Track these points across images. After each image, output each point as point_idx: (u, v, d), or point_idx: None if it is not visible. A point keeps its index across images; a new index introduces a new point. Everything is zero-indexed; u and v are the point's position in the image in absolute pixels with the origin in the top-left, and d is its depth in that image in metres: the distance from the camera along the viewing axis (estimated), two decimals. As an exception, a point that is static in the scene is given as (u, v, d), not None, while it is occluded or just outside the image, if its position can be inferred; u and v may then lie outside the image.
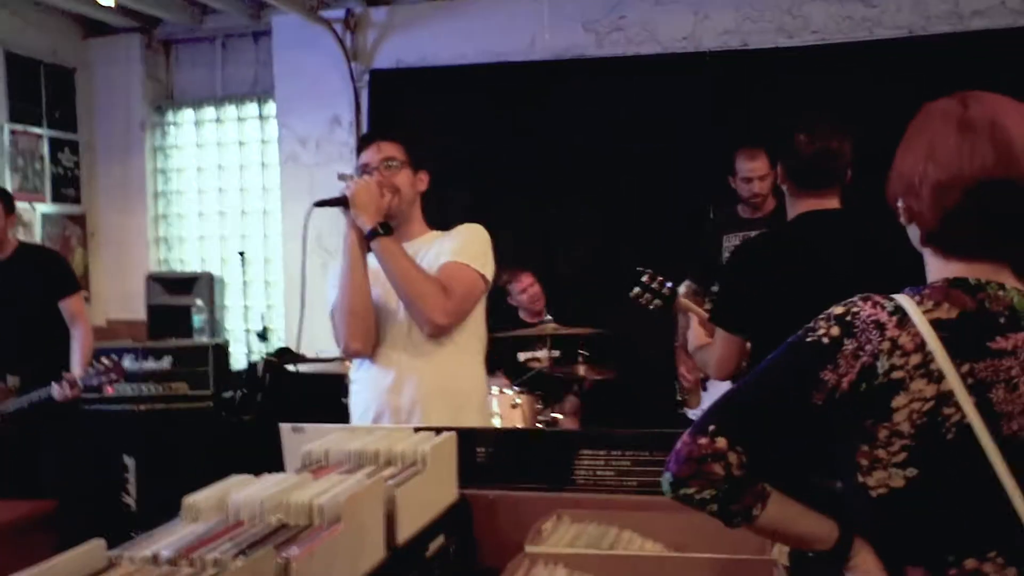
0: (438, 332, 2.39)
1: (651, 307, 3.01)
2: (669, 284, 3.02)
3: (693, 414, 3.83)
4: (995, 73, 4.37)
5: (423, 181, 2.55)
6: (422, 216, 2.58)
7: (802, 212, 2.40)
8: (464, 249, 2.43)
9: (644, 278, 3.01)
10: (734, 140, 4.03)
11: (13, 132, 5.60)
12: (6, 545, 2.63)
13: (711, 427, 1.21)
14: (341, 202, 2.40)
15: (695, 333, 2.64)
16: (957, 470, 1.19)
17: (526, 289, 4.60)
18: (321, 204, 2.43)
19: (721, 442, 1.20)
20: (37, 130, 5.79)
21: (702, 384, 3.88)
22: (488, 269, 2.46)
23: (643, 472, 1.65)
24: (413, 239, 2.51)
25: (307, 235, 2.38)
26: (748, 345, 2.44)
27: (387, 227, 2.39)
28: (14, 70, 5.59)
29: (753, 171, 3.89)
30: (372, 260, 2.45)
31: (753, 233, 3.82)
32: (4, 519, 2.60)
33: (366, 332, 2.42)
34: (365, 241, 2.40)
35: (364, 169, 2.49)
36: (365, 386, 2.50)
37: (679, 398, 4.00)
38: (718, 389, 3.54)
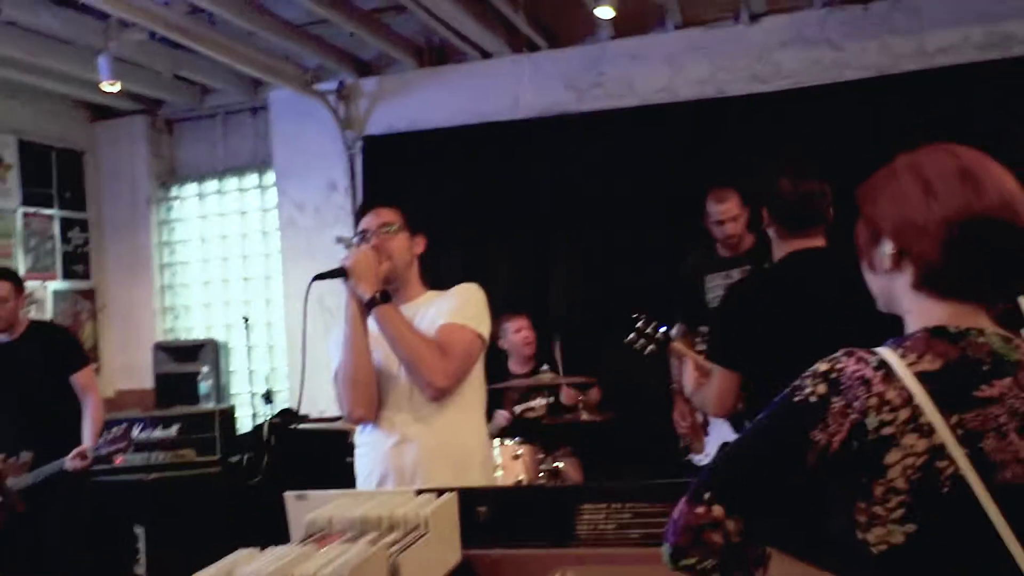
0: (439, 395, 2.35)
1: (646, 352, 2.97)
2: (663, 328, 2.99)
3: (698, 459, 3.73)
4: (963, 107, 4.40)
5: (419, 244, 2.54)
6: (419, 278, 2.56)
7: (791, 252, 2.41)
8: (460, 310, 2.41)
9: (639, 323, 2.97)
10: (714, 184, 4.00)
11: (26, 215, 5.63)
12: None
13: (706, 495, 1.16)
14: (340, 273, 2.38)
15: (690, 376, 2.60)
16: (956, 523, 1.13)
17: (520, 329, 4.50)
18: (321, 277, 2.40)
19: (718, 510, 1.15)
20: (48, 211, 5.82)
21: (703, 428, 3.79)
22: (484, 328, 2.43)
23: (645, 524, 1.58)
24: (411, 301, 2.49)
25: (307, 308, 2.33)
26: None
27: (386, 295, 2.37)
28: (27, 157, 5.66)
29: (724, 213, 3.78)
30: (373, 324, 2.42)
31: (735, 271, 3.81)
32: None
33: (369, 399, 2.39)
34: (365, 309, 2.37)
35: (363, 234, 2.48)
36: (369, 449, 2.46)
37: (683, 445, 3.90)
38: (720, 433, 3.47)
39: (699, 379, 2.58)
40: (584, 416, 4.14)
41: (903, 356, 1.17)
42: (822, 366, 1.19)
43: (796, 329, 2.20)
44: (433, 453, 2.36)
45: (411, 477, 2.35)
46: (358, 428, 2.52)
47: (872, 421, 1.14)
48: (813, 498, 1.21)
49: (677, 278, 4.09)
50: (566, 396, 4.29)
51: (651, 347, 2.94)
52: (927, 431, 1.13)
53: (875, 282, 1.30)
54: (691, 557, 1.15)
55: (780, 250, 2.45)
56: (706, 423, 3.78)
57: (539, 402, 4.29)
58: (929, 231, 1.19)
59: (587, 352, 4.78)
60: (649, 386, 4.12)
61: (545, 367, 4.24)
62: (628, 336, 2.95)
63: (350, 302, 2.39)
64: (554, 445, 4.15)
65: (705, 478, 1.19)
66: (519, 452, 3.85)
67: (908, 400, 1.14)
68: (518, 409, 4.39)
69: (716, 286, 3.87)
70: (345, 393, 2.39)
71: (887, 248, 1.24)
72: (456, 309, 2.41)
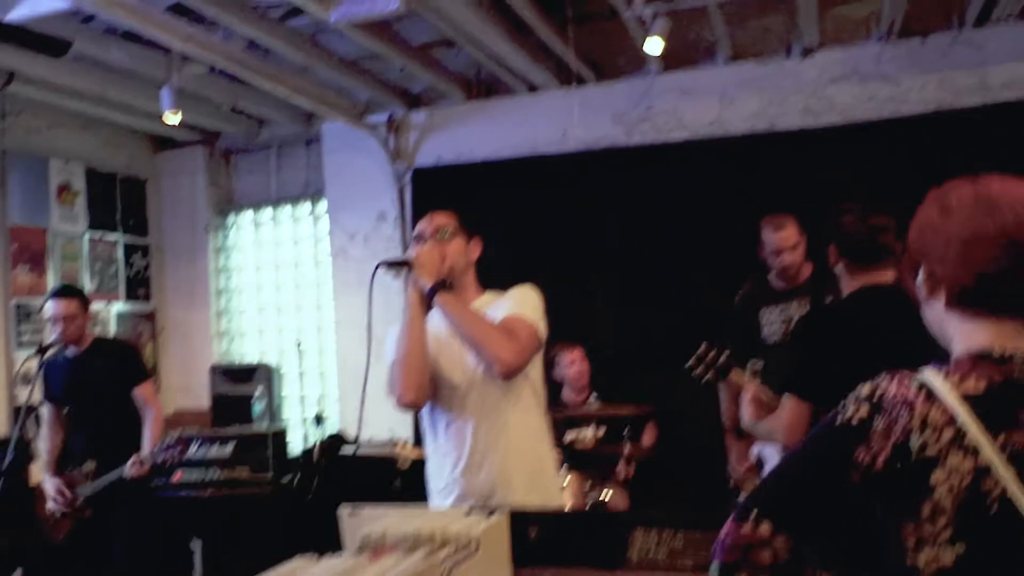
0: (508, 371, 2.35)
1: (704, 380, 2.93)
2: (724, 357, 2.94)
3: None
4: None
5: (475, 249, 2.59)
6: (476, 281, 2.60)
7: (860, 287, 2.43)
8: (520, 306, 2.45)
9: (700, 349, 2.94)
10: (768, 212, 3.90)
11: (92, 239, 5.82)
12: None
13: (753, 513, 1.18)
14: (404, 264, 2.44)
15: (748, 408, 2.59)
16: (1005, 545, 1.12)
17: (574, 362, 4.51)
18: (387, 264, 2.46)
19: (765, 528, 1.16)
20: (112, 236, 6.01)
21: (757, 469, 3.67)
22: (542, 327, 2.46)
23: (697, 552, 1.57)
24: (469, 303, 2.50)
25: (372, 294, 2.39)
26: None
27: (446, 284, 2.42)
28: (93, 184, 5.87)
29: (783, 241, 3.62)
30: (432, 326, 2.47)
31: (792, 304, 3.70)
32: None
33: (420, 386, 2.41)
34: (426, 300, 2.41)
35: (418, 238, 2.54)
36: (441, 467, 2.48)
37: (732, 486, 3.79)
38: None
39: (757, 411, 2.57)
40: (628, 448, 4.10)
41: (946, 377, 1.19)
42: (865, 389, 1.22)
43: (865, 363, 2.19)
44: (507, 466, 2.39)
45: (489, 494, 2.37)
46: (426, 436, 2.54)
47: (915, 442, 1.15)
48: (860, 522, 1.21)
49: (728, 312, 4.01)
50: (622, 473, 4.27)
51: (709, 375, 2.91)
52: (972, 451, 1.14)
53: (927, 314, 1.33)
54: (740, 575, 1.16)
55: (849, 286, 2.48)
56: (760, 464, 3.68)
57: (589, 433, 4.26)
58: (948, 252, 1.23)
59: (637, 385, 4.75)
60: (700, 420, 4.06)
61: (594, 396, 4.22)
62: (688, 362, 2.92)
63: (411, 293, 2.43)
64: (602, 476, 4.11)
65: (751, 497, 1.21)
66: (565, 482, 3.82)
67: (951, 421, 1.15)
68: (567, 438, 4.38)
69: (772, 320, 3.75)
70: (399, 378, 2.40)
71: (921, 274, 1.29)
72: (516, 306, 2.45)
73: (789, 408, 2.43)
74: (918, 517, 1.15)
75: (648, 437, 4.37)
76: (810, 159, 4.73)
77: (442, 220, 2.56)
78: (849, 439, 1.17)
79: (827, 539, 1.19)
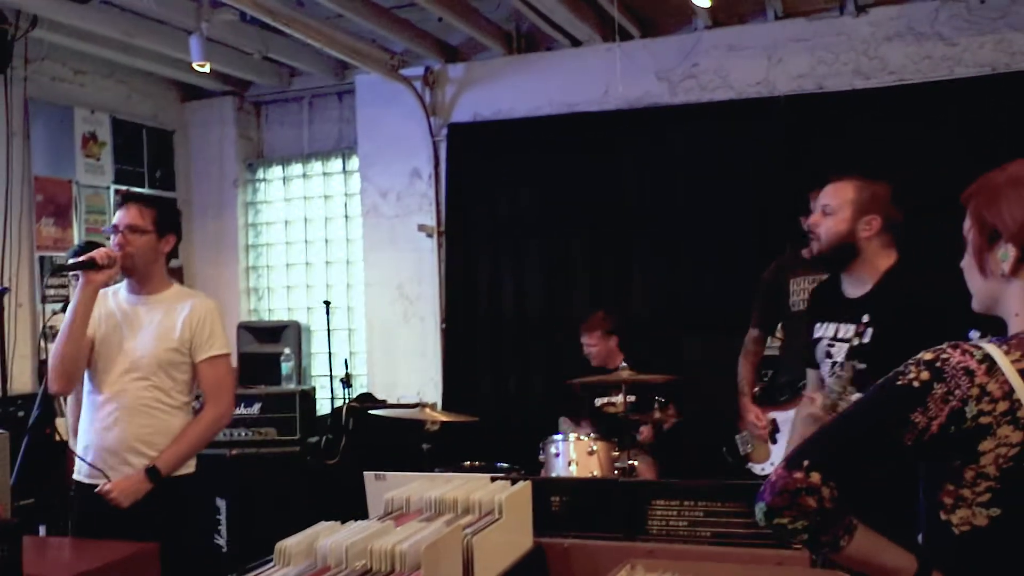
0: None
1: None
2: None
3: (759, 468, 3.79)
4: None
5: (168, 244, 2.93)
6: (165, 274, 2.97)
7: None
8: (218, 338, 2.91)
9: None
10: (808, 184, 3.98)
11: (118, 192, 5.92)
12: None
13: (805, 462, 1.27)
14: (89, 263, 2.73)
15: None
16: None
17: (592, 346, 4.60)
18: (69, 266, 2.85)
19: (815, 477, 1.26)
20: (139, 190, 6.09)
21: (771, 436, 3.83)
22: (228, 343, 2.98)
23: (716, 523, 1.65)
24: (157, 293, 2.91)
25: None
26: None
27: (154, 472, 2.85)
28: (119, 135, 5.93)
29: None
30: (105, 314, 2.88)
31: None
32: (110, 559, 2.73)
33: (71, 375, 2.82)
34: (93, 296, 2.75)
35: (115, 228, 2.87)
36: (87, 422, 2.90)
37: (742, 453, 3.94)
38: (787, 441, 3.52)
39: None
40: (658, 415, 4.22)
41: (1007, 352, 1.29)
42: (927, 355, 1.31)
43: None
44: (133, 441, 2.86)
45: (115, 452, 2.87)
46: (84, 398, 2.94)
47: (971, 410, 1.25)
48: (901, 478, 1.33)
49: (760, 279, 4.09)
50: (644, 435, 4.39)
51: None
52: (1023, 425, 1.24)
53: (982, 285, 1.39)
54: (784, 517, 1.27)
55: None
56: (775, 430, 3.80)
57: (619, 398, 4.37)
58: None
59: (668, 352, 4.84)
60: (726, 388, 4.15)
61: (624, 364, 4.31)
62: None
63: (83, 289, 2.73)
64: (631, 443, 4.23)
65: (804, 447, 1.31)
66: (593, 448, 3.93)
67: (1008, 394, 1.25)
68: (599, 402, 4.49)
69: (800, 289, 3.86)
70: (52, 367, 2.79)
71: (1008, 252, 1.33)
72: (215, 340, 2.89)
73: None
74: (960, 480, 1.27)
75: (674, 406, 4.47)
76: (860, 122, 4.73)
77: (135, 217, 2.85)
78: (907, 401, 1.27)
79: (869, 491, 1.31)
